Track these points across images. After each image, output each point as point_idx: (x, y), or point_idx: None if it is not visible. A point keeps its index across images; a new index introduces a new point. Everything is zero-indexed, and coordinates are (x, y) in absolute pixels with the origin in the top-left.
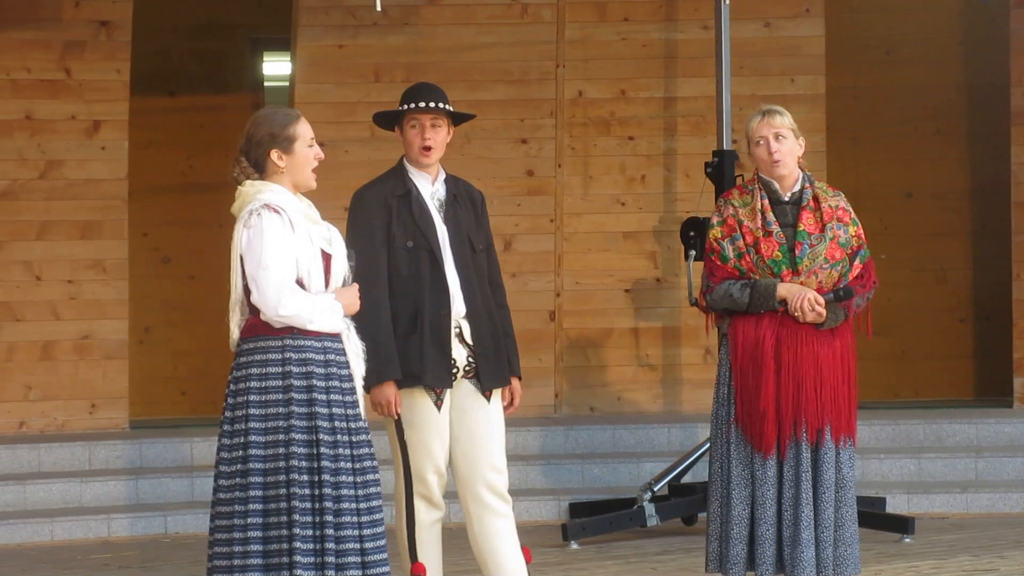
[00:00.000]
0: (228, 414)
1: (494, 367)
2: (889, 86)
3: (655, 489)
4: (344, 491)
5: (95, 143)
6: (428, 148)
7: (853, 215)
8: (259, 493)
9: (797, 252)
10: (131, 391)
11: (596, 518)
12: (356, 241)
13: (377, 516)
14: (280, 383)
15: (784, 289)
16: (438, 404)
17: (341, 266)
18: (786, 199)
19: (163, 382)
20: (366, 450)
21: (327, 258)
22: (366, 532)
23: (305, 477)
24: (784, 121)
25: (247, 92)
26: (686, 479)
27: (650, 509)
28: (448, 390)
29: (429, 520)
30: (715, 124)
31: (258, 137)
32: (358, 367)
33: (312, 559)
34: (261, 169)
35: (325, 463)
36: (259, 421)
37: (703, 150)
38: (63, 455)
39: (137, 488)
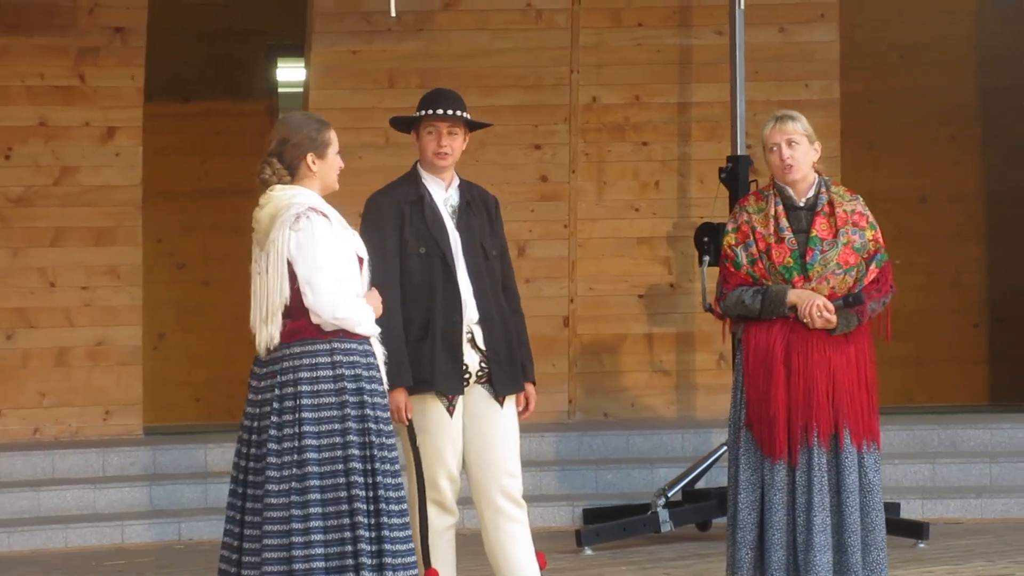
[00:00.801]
0: (275, 419)
1: (507, 373)
2: (904, 90)
3: (669, 495)
4: (391, 493)
5: (110, 149)
6: (444, 154)
7: (871, 219)
8: (317, 496)
9: (808, 258)
10: (145, 397)
11: (610, 524)
12: (368, 246)
13: (408, 518)
14: (332, 386)
15: (795, 295)
16: (450, 410)
17: (367, 271)
18: (801, 204)
19: (177, 388)
20: (397, 452)
21: (360, 262)
22: (406, 533)
23: (362, 479)
24: (797, 127)
25: (262, 98)
26: (700, 485)
27: (664, 515)
28: (460, 396)
29: (442, 526)
30: (729, 129)
31: (296, 140)
32: (383, 370)
33: (373, 560)
34: (293, 172)
35: (379, 465)
36: (313, 424)
37: (717, 155)
38: (77, 461)
39: (151, 494)
